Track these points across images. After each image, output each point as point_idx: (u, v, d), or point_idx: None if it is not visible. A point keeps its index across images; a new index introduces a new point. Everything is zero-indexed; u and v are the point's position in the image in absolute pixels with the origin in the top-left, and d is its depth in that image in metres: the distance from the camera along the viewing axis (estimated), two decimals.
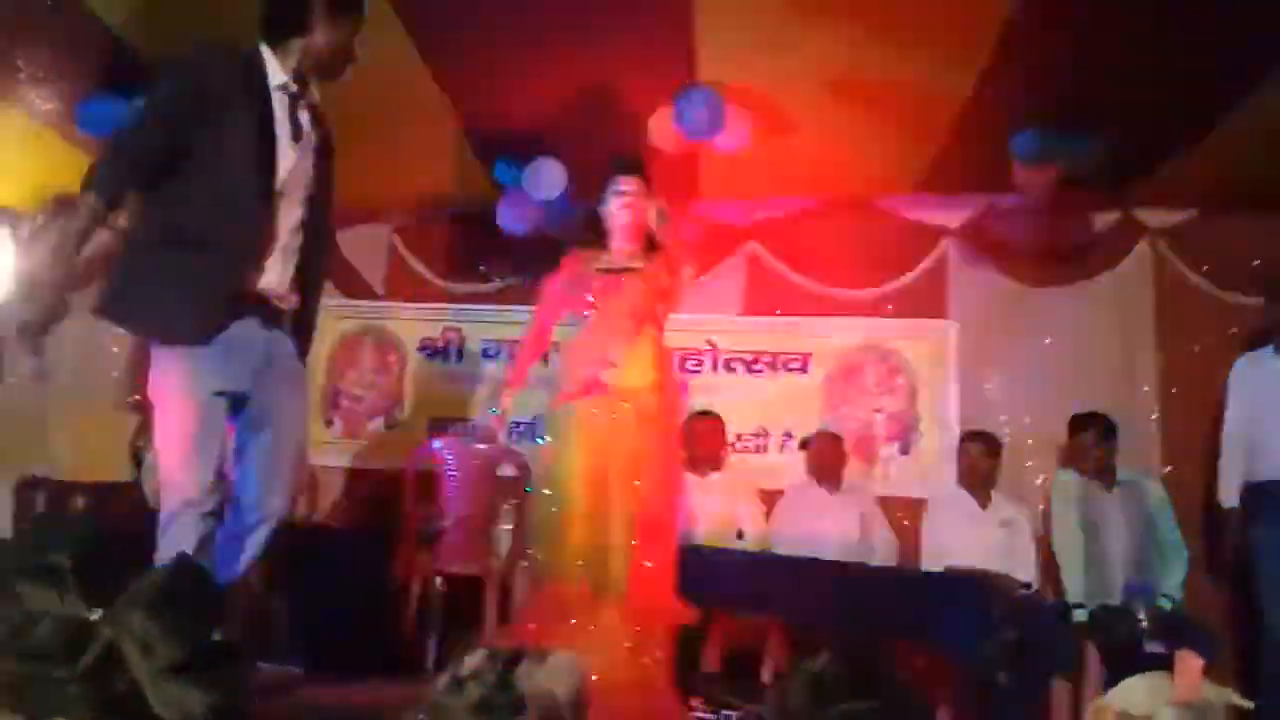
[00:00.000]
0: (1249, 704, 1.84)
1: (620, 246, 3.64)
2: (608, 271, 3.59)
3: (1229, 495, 4.45)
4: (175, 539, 2.52)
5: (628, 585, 3.24)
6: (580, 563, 3.27)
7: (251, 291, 2.62)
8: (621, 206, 3.61)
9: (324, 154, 2.84)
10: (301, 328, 2.83)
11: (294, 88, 2.70)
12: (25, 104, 5.06)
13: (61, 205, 6.40)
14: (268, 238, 2.62)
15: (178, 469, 2.56)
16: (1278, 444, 4.32)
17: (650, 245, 3.63)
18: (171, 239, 2.54)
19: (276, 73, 2.68)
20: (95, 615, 2.14)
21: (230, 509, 2.71)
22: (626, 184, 3.63)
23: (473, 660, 1.91)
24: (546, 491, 3.44)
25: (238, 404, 2.66)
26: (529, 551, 3.64)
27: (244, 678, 2.45)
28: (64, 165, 5.78)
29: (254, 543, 2.73)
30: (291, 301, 2.75)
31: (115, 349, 6.26)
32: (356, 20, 2.78)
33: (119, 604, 2.12)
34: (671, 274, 3.58)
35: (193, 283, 2.52)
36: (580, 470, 3.35)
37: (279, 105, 2.67)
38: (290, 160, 2.67)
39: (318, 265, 2.86)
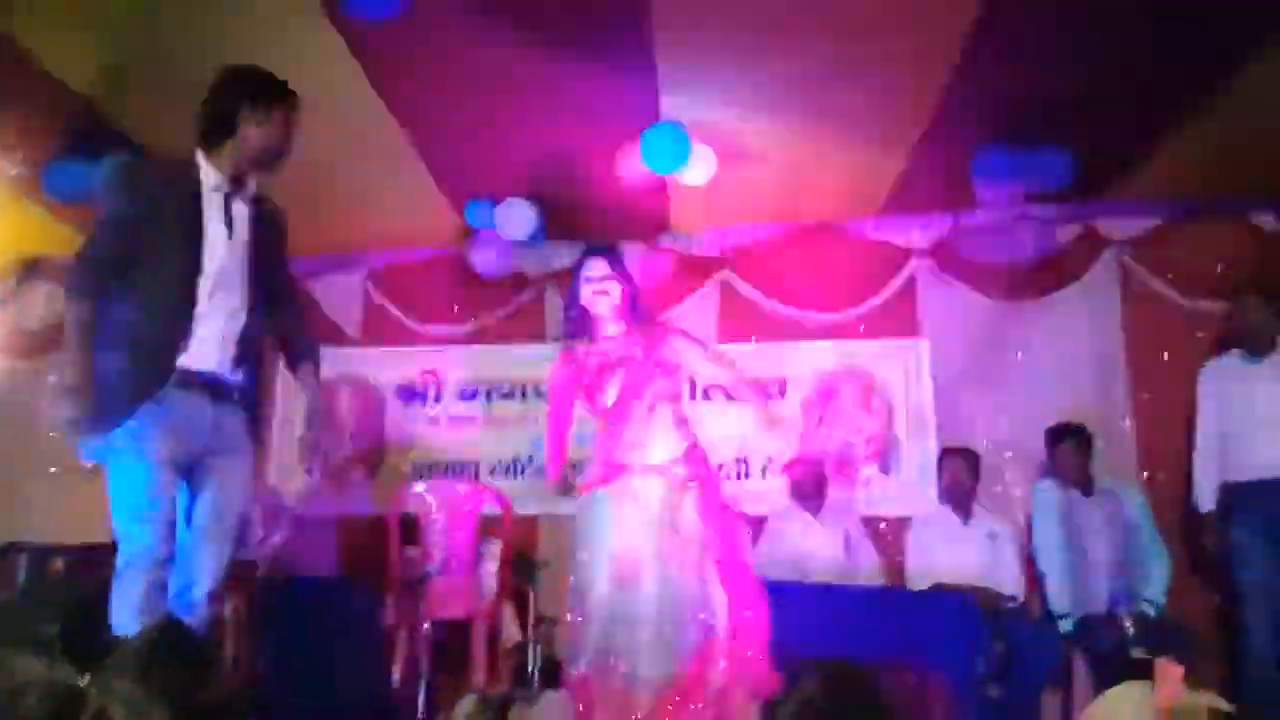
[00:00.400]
0: (1229, 707, 1.87)
1: (607, 332, 3.56)
2: (604, 363, 3.51)
3: (1205, 498, 4.51)
4: (137, 597, 2.67)
5: (710, 651, 3.14)
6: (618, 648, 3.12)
7: (194, 372, 2.85)
8: (594, 294, 3.51)
9: (265, 242, 3.04)
10: (250, 401, 3.05)
11: (227, 187, 2.94)
12: None
13: (29, 270, 6.40)
14: (190, 327, 2.85)
15: (135, 531, 2.77)
16: (1250, 445, 4.40)
17: (640, 317, 3.61)
18: (109, 336, 2.78)
19: (210, 175, 2.93)
20: (84, 681, 2.14)
21: (173, 570, 2.85)
22: (595, 267, 3.53)
23: (465, 706, 1.93)
24: (579, 582, 3.29)
25: (186, 472, 2.90)
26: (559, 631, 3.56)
27: None
28: (32, 231, 5.80)
29: (196, 600, 2.87)
30: (236, 377, 2.96)
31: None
32: (286, 114, 2.99)
33: (106, 669, 2.12)
34: (664, 351, 3.53)
35: (125, 372, 2.76)
36: (613, 554, 3.23)
37: (212, 205, 2.92)
38: (221, 255, 2.91)
39: (263, 341, 3.11)
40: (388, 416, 6.18)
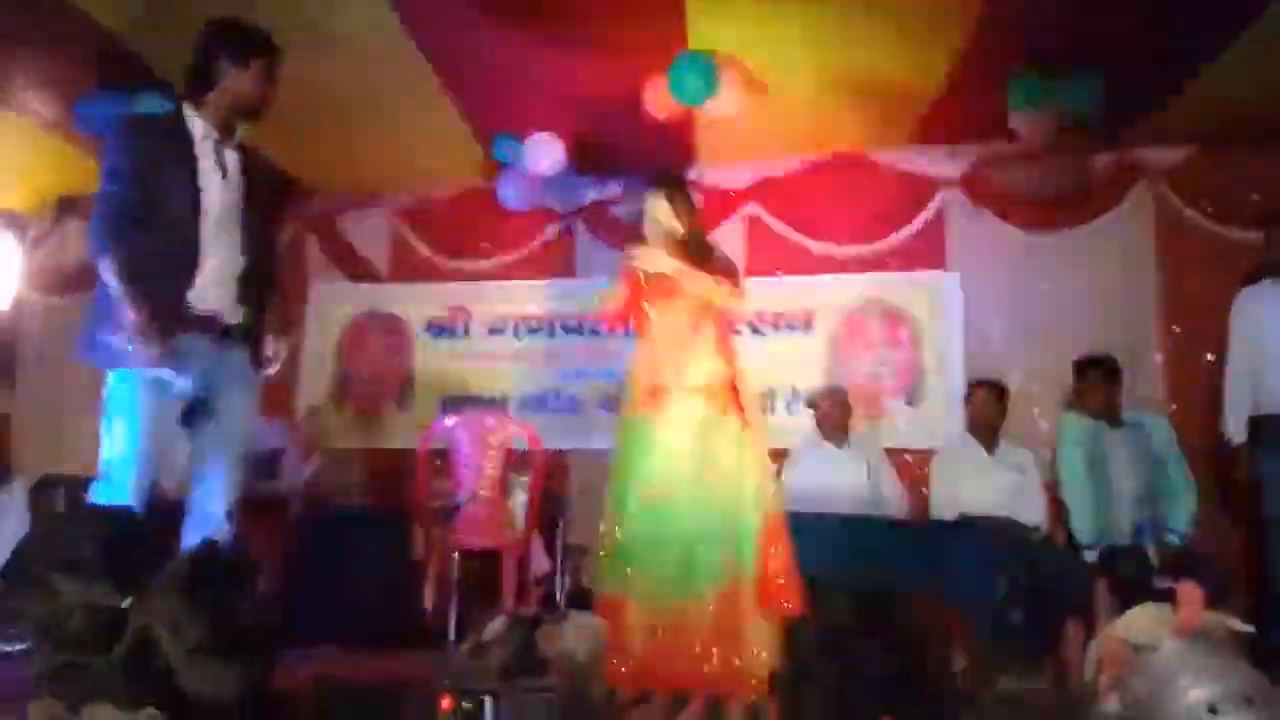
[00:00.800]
0: (1249, 628, 1.89)
1: (662, 251, 3.51)
2: (657, 276, 3.47)
3: (1235, 429, 4.47)
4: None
5: (749, 575, 3.03)
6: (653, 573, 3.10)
7: (196, 312, 3.04)
8: (654, 219, 3.50)
9: (259, 188, 3.24)
10: (253, 338, 3.22)
11: (216, 135, 3.11)
12: (25, 108, 5.10)
13: (65, 208, 6.47)
14: (195, 268, 3.03)
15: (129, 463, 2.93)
16: None
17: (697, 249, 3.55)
18: (125, 278, 2.93)
19: (198, 125, 3.10)
20: (126, 603, 2.21)
21: (190, 499, 3.14)
22: (659, 203, 3.49)
23: (495, 627, 1.97)
24: (612, 501, 3.28)
25: (191, 407, 3.09)
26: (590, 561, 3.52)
27: (273, 655, 2.53)
28: (67, 167, 5.85)
29: (216, 520, 3.10)
30: (236, 317, 3.14)
31: None
32: (265, 65, 3.15)
33: (148, 591, 2.18)
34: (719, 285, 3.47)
35: (141, 312, 2.89)
36: (648, 475, 3.22)
37: (204, 154, 3.09)
38: (218, 199, 3.09)
39: (263, 282, 3.26)
40: (417, 352, 6.24)
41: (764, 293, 5.79)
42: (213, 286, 3.07)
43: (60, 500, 4.98)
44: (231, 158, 3.15)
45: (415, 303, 6.28)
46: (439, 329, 6.25)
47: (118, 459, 2.94)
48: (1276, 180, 5.11)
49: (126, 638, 2.16)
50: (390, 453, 5.99)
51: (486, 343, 6.14)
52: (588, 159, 5.46)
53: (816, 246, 5.77)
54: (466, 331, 6.21)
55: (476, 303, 6.19)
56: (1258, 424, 4.40)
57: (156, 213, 3.00)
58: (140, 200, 2.98)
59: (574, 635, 2.06)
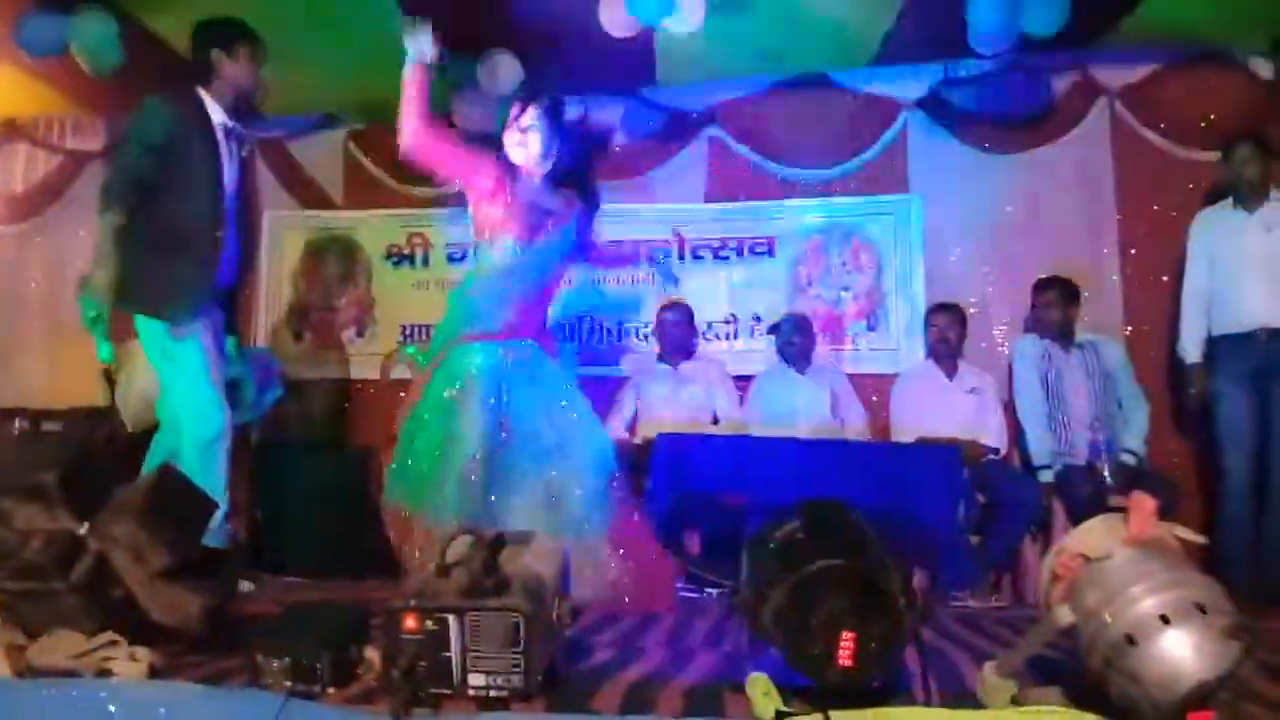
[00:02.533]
0: (1201, 539, 1.92)
1: (529, 181, 3.52)
2: (511, 195, 3.46)
3: (1191, 350, 4.53)
4: (212, 468, 3.35)
5: None
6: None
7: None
8: (514, 144, 3.49)
9: (245, 169, 3.80)
10: (229, 304, 3.73)
11: (229, 124, 3.54)
12: None
13: (7, 132, 6.27)
14: (222, 240, 3.47)
15: (201, 409, 3.41)
16: (1238, 297, 4.39)
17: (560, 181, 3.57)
18: (159, 244, 3.34)
19: (216, 112, 3.52)
20: (83, 529, 2.19)
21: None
22: (524, 115, 3.48)
23: (457, 547, 1.97)
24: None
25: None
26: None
27: (234, 581, 2.53)
28: (10, 90, 5.66)
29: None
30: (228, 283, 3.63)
31: (76, 271, 6.20)
32: (251, 51, 3.57)
33: (106, 516, 2.16)
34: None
35: (181, 279, 3.38)
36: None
37: (221, 136, 3.50)
38: (232, 179, 3.55)
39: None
40: (375, 279, 6.16)
41: (726, 218, 5.77)
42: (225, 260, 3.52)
43: (16, 431, 4.91)
44: (234, 145, 3.58)
45: (370, 230, 6.17)
46: (398, 257, 6.16)
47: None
48: (1232, 101, 5.12)
49: (84, 563, 2.14)
50: (350, 382, 5.94)
51: (447, 270, 6.07)
52: (544, 78, 5.35)
53: (778, 170, 5.72)
54: (426, 260, 6.13)
55: (435, 229, 6.11)
56: (1214, 344, 4.46)
57: (184, 182, 3.38)
58: (158, 171, 3.33)
59: (535, 555, 2.06)
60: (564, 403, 3.42)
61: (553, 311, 3.62)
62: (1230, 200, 4.51)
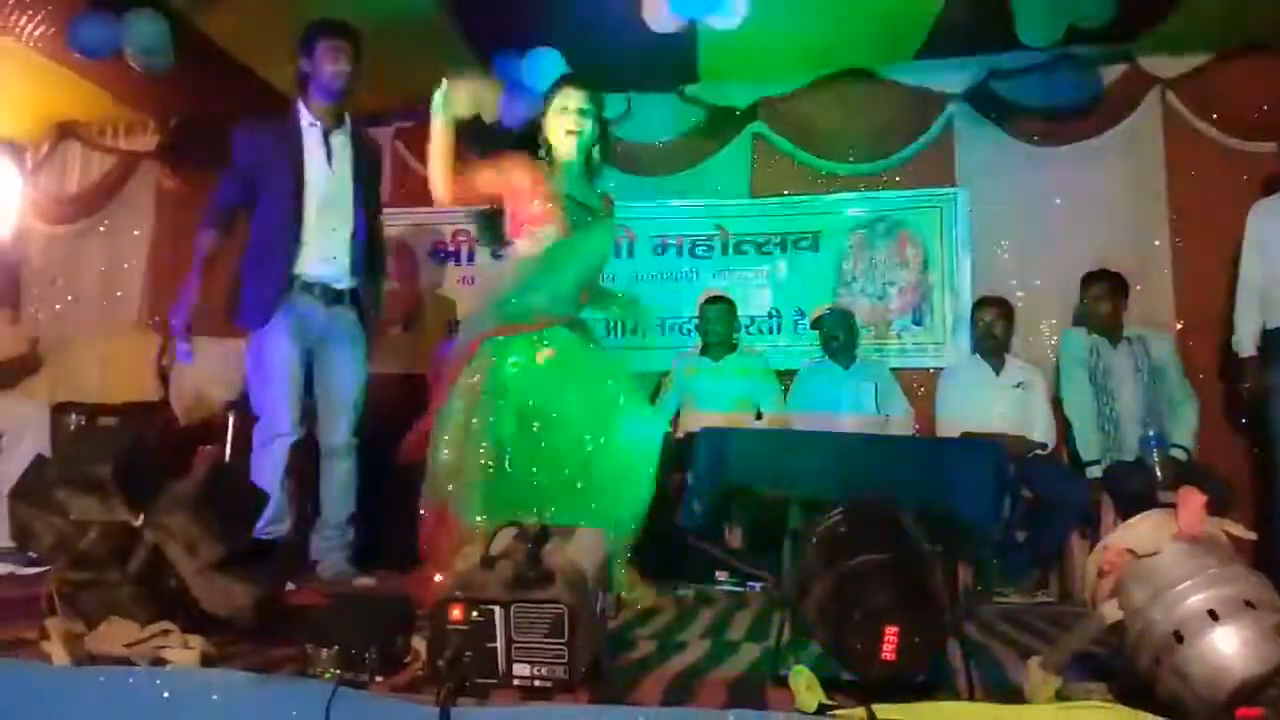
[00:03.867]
0: (1252, 535, 1.90)
1: (568, 173, 3.40)
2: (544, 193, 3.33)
3: (1246, 343, 4.45)
4: (267, 463, 3.51)
5: None
6: None
7: (308, 280, 3.58)
8: (565, 132, 3.35)
9: (364, 171, 3.74)
10: (361, 301, 3.74)
11: (322, 126, 3.62)
12: (18, 32, 5.01)
13: (61, 135, 6.41)
14: (299, 244, 3.55)
15: (268, 408, 3.57)
16: None
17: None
18: (250, 254, 3.60)
19: (306, 115, 3.63)
20: (138, 521, 2.24)
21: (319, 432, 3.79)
22: (574, 98, 3.35)
23: (501, 538, 2.00)
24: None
25: (308, 359, 3.68)
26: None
27: (284, 572, 2.58)
28: (63, 92, 5.78)
29: (338, 472, 3.78)
30: (346, 284, 3.66)
31: (130, 270, 6.35)
32: (331, 47, 3.60)
33: (160, 508, 2.21)
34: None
35: (259, 282, 3.55)
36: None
37: (311, 139, 3.61)
38: (323, 183, 3.59)
39: (370, 253, 3.79)
40: (422, 275, 6.21)
41: (770, 212, 5.76)
42: (320, 258, 3.58)
43: (75, 424, 5.02)
44: (341, 143, 3.65)
45: (417, 226, 6.23)
46: (443, 253, 6.21)
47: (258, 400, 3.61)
48: None
49: (139, 554, 2.19)
50: (397, 376, 5.99)
51: (491, 266, 6.09)
52: (588, 75, 5.36)
53: (823, 165, 5.70)
54: (472, 257, 6.18)
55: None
56: (1269, 337, 4.38)
57: (267, 195, 3.55)
58: (246, 192, 3.56)
59: (578, 548, 2.08)
60: (606, 391, 3.30)
61: (590, 303, 3.53)
62: None
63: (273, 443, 3.55)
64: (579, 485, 3.17)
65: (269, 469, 3.50)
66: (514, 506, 2.98)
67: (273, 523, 3.45)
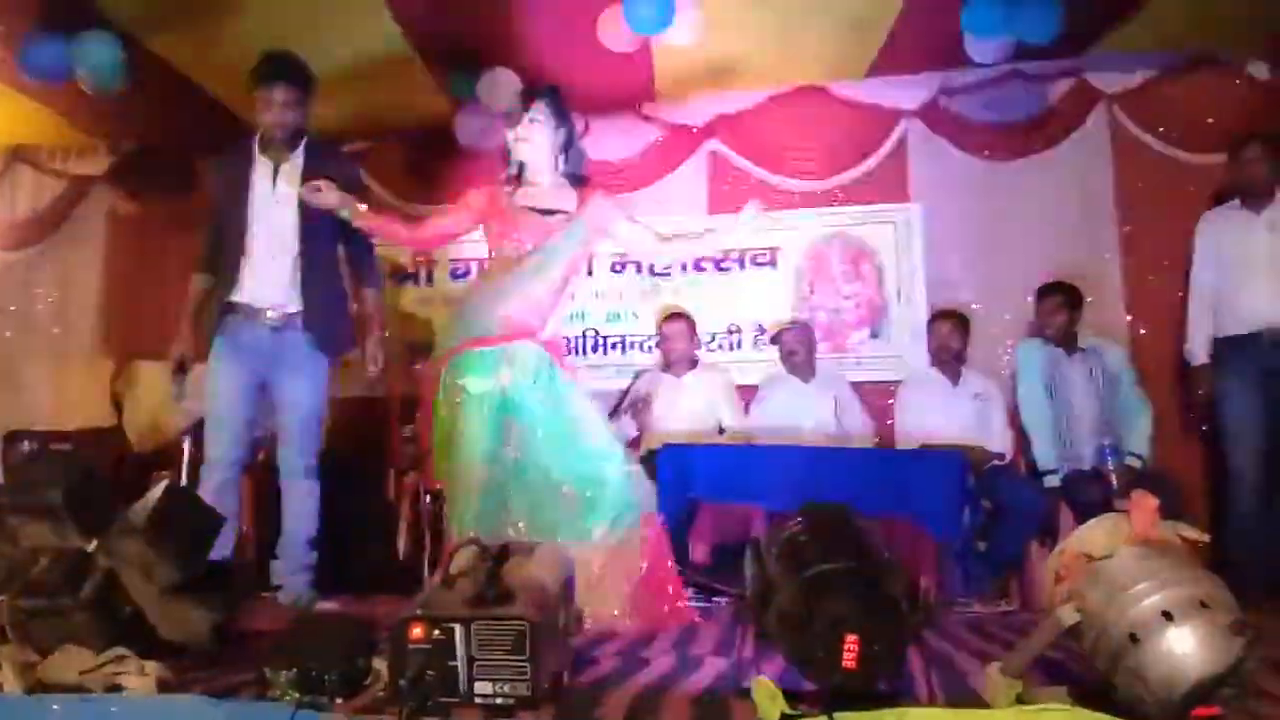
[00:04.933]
0: (1205, 537, 1.92)
1: (538, 180, 3.45)
2: (522, 213, 3.38)
3: (1198, 351, 4.54)
4: (211, 487, 3.54)
5: None
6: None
7: (254, 307, 3.62)
8: (515, 140, 3.41)
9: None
10: (312, 324, 3.69)
11: (268, 161, 3.67)
12: None
13: (13, 160, 6.32)
14: (239, 273, 3.61)
15: (211, 437, 3.65)
16: (1245, 298, 4.39)
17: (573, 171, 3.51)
18: (210, 288, 3.72)
19: (257, 156, 3.70)
20: (91, 547, 2.20)
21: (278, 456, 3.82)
22: (526, 112, 3.42)
23: (463, 556, 1.99)
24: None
25: (260, 387, 3.73)
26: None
27: (241, 596, 2.54)
28: (15, 116, 5.70)
29: (297, 493, 3.76)
30: (294, 308, 3.66)
31: (83, 295, 6.26)
32: (284, 91, 3.63)
33: (114, 533, 2.18)
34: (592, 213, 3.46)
35: (212, 314, 3.67)
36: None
37: (261, 176, 3.67)
38: (268, 211, 3.64)
39: (358, 269, 3.94)
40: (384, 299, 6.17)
41: (727, 229, 5.78)
42: (266, 284, 3.62)
43: (27, 452, 4.94)
44: (290, 173, 3.64)
45: (376, 248, 6.17)
46: (403, 276, 6.18)
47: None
48: (1231, 104, 5.14)
49: (93, 580, 2.16)
50: (359, 400, 5.95)
51: (450, 287, 6.09)
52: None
53: (779, 181, 5.75)
54: (430, 278, 6.16)
55: (439, 248, 6.12)
56: (1220, 345, 4.47)
57: (226, 227, 3.65)
58: (223, 230, 3.67)
59: (541, 564, 2.07)
60: (573, 412, 3.35)
61: (559, 314, 3.50)
62: (1237, 201, 4.52)
63: (212, 473, 3.62)
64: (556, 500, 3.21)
65: (210, 497, 3.42)
66: (497, 518, 3.03)
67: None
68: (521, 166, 3.44)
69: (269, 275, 3.64)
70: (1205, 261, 4.57)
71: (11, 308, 6.25)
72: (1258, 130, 4.59)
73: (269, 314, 3.65)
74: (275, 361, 3.67)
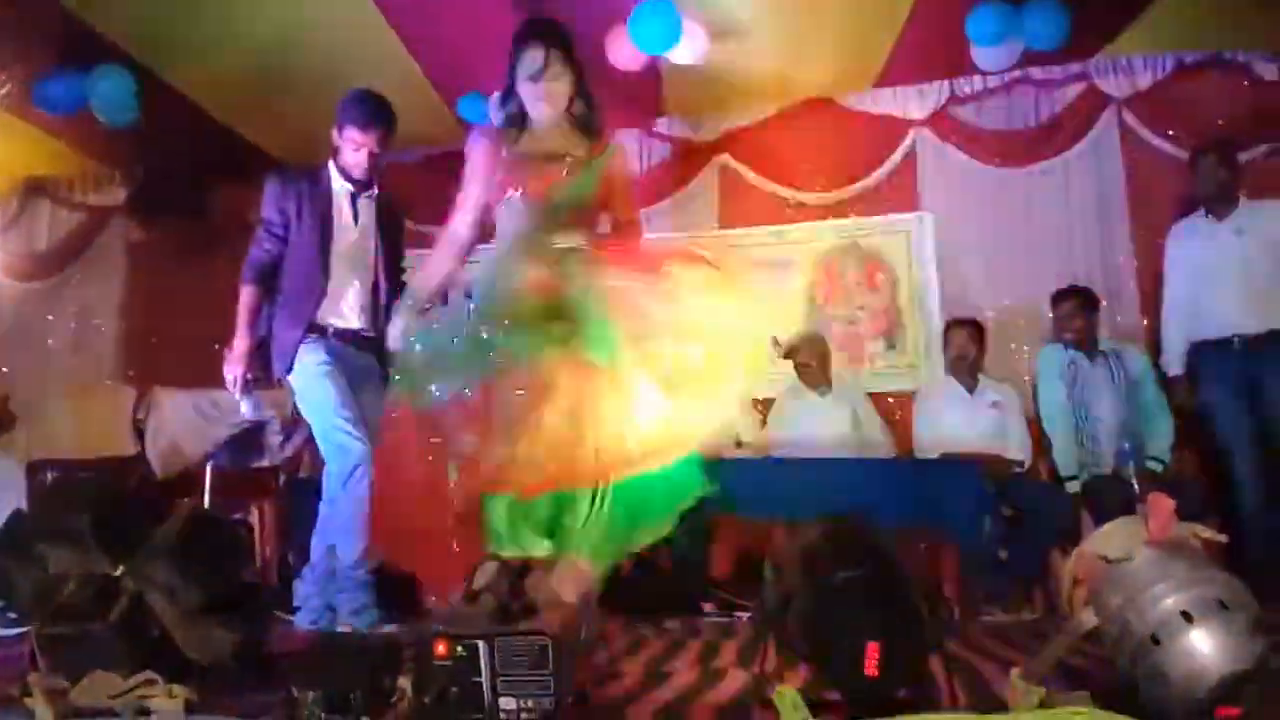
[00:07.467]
0: (1222, 538, 1.92)
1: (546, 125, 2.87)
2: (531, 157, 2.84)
3: (1173, 361, 4.56)
4: (361, 487, 3.48)
5: None
6: None
7: (339, 328, 3.72)
8: (534, 99, 2.82)
9: (388, 229, 3.88)
10: (381, 347, 3.64)
11: (350, 188, 3.76)
12: None
13: (31, 191, 6.40)
14: (323, 293, 3.69)
15: (337, 439, 3.60)
16: (1215, 304, 4.42)
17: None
18: (280, 306, 3.71)
19: (336, 180, 3.78)
20: (118, 571, 2.23)
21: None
22: (532, 61, 2.79)
23: (484, 571, 2.00)
24: None
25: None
26: None
27: (266, 617, 2.56)
28: (30, 149, 5.78)
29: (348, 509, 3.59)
30: (369, 331, 3.75)
31: (102, 324, 6.33)
32: (364, 135, 3.68)
33: (140, 557, 2.20)
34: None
35: (288, 330, 3.66)
36: None
37: (340, 200, 3.76)
38: (349, 238, 3.75)
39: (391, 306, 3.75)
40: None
41: (740, 243, 5.80)
42: (347, 308, 3.73)
43: (50, 480, 4.98)
44: (366, 206, 3.79)
45: None
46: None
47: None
48: (1241, 104, 5.14)
49: (120, 604, 2.18)
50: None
51: (460, 308, 6.09)
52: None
53: (789, 194, 5.77)
54: (444, 297, 6.17)
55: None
56: (1196, 350, 4.48)
57: (298, 247, 3.69)
58: (281, 247, 3.71)
59: (561, 579, 2.09)
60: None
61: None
62: (1202, 210, 4.54)
63: (354, 473, 3.53)
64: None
65: (359, 502, 3.43)
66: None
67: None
68: (524, 115, 2.91)
69: (350, 299, 3.75)
70: (1176, 274, 4.60)
71: (30, 340, 6.32)
72: (1267, 131, 4.59)
73: (355, 334, 3.74)
74: (354, 378, 3.71)
